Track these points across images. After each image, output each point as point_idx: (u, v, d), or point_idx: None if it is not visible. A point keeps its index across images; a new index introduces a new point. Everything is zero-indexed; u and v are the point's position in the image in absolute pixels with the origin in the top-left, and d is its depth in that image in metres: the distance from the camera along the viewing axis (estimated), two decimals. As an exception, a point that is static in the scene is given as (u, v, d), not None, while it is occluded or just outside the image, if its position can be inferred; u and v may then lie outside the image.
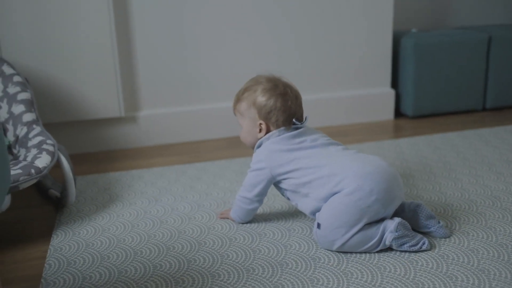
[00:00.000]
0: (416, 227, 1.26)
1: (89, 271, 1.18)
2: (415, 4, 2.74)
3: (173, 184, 1.70)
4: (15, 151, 1.56)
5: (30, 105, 1.62)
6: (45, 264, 1.22)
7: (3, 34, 1.88)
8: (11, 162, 1.41)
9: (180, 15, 2.11)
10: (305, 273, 1.13)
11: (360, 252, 1.20)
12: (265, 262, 1.18)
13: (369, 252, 1.20)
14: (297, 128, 1.31)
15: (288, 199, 1.32)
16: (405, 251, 1.20)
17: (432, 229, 1.25)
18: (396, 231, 1.17)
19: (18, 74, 1.69)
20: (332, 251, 1.21)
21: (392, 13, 2.35)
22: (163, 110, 2.19)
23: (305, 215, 1.40)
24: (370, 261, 1.17)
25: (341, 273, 1.13)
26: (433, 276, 1.10)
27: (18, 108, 1.60)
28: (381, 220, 1.21)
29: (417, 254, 1.19)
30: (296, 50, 2.28)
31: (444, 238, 1.25)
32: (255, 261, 1.19)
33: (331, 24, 2.29)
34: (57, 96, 2.01)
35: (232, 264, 1.18)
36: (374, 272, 1.12)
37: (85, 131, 2.11)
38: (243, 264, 1.18)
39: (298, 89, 1.35)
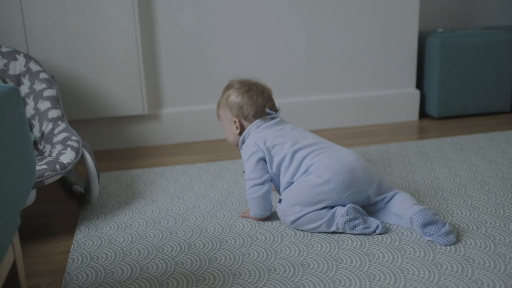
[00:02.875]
0: (419, 234, 1.26)
1: (111, 266, 1.18)
2: (441, 3, 2.70)
3: (195, 182, 1.70)
4: (40, 147, 1.59)
5: (55, 101, 1.64)
6: (69, 259, 1.23)
7: (30, 32, 1.91)
8: (36, 158, 1.43)
9: (203, 15, 2.11)
10: (326, 274, 1.12)
11: (311, 231, 1.29)
12: (287, 262, 1.17)
13: (320, 232, 1.28)
14: (273, 118, 1.43)
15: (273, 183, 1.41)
16: (360, 234, 1.27)
17: (432, 237, 1.22)
18: (347, 214, 1.25)
19: (44, 71, 1.72)
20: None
21: (418, 13, 2.32)
22: (185, 109, 2.19)
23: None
24: (394, 263, 1.15)
25: (363, 275, 1.11)
26: (458, 280, 1.08)
27: (44, 105, 1.62)
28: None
29: (442, 257, 1.17)
30: (319, 50, 2.27)
31: (447, 245, 1.21)
32: (276, 261, 1.18)
33: (357, 23, 2.27)
34: (82, 93, 2.03)
35: (253, 263, 1.17)
36: (397, 275, 1.11)
37: (109, 128, 2.13)
38: (264, 263, 1.17)
39: (269, 86, 1.48)
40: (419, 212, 1.22)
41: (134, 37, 2.01)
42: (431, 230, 1.21)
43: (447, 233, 1.21)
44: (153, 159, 2.00)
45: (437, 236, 1.21)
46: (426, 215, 1.21)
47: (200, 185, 1.67)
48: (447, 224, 1.22)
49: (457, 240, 1.23)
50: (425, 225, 1.21)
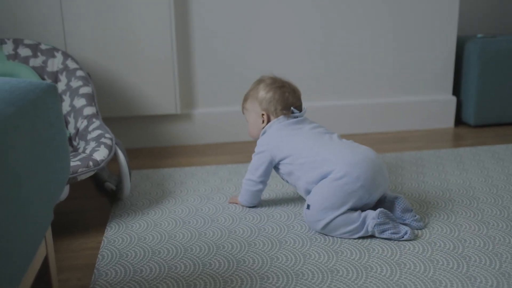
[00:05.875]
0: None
1: (140, 264, 1.19)
2: (481, 8, 2.63)
3: (225, 183, 1.70)
4: (75, 143, 1.61)
5: (91, 99, 1.67)
6: (99, 255, 1.24)
7: (69, 30, 1.95)
8: (70, 154, 1.45)
9: (237, 16, 2.12)
10: (355, 282, 1.10)
11: (343, 237, 1.29)
12: (315, 268, 1.16)
13: (350, 238, 1.28)
14: (296, 117, 1.45)
15: (287, 181, 1.45)
16: (387, 239, 1.27)
17: (407, 221, 1.33)
18: (378, 218, 1.27)
19: (81, 68, 1.75)
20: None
21: (457, 17, 2.27)
22: (218, 109, 2.20)
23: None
24: (425, 274, 1.12)
25: (393, 284, 1.09)
26: (493, 295, 1.04)
27: (79, 102, 1.65)
28: (363, 209, 1.31)
29: (476, 270, 1.13)
30: (356, 53, 2.24)
31: (419, 229, 1.33)
32: (304, 266, 1.17)
33: (394, 28, 2.24)
34: (116, 91, 2.06)
35: (281, 267, 1.16)
36: (428, 286, 1.08)
37: (142, 127, 2.16)
38: (292, 268, 1.16)
39: (297, 86, 1.52)
40: (402, 198, 1.35)
41: (169, 38, 2.02)
42: (407, 216, 1.33)
43: (418, 220, 1.34)
44: (184, 158, 2.01)
45: (412, 221, 1.33)
46: (406, 203, 1.34)
47: (230, 186, 1.67)
48: (417, 215, 1.35)
49: (425, 225, 1.35)
50: (404, 211, 1.33)
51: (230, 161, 1.95)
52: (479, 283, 1.08)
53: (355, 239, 1.28)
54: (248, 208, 1.49)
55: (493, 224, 1.35)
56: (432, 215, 1.41)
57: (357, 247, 1.25)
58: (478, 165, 1.82)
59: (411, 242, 1.26)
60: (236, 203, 1.51)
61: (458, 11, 2.26)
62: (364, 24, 2.22)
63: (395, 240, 1.27)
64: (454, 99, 2.37)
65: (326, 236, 1.30)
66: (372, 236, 1.29)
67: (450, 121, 2.39)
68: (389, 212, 1.28)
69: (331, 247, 1.25)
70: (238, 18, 2.12)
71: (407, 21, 2.24)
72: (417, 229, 1.33)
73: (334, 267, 1.16)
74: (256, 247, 1.26)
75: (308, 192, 1.35)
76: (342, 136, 1.84)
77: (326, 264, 1.17)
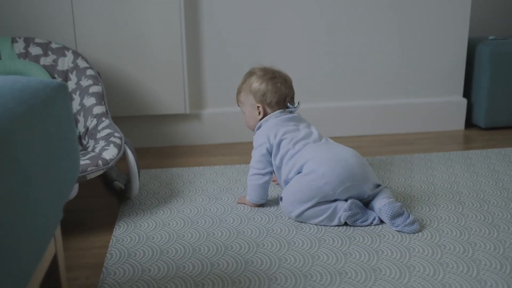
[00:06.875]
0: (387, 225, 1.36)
1: (148, 264, 1.19)
2: (493, 10, 2.61)
3: (234, 183, 1.70)
4: (84, 142, 1.62)
5: (100, 98, 1.67)
6: (107, 254, 1.24)
7: (79, 29, 1.96)
8: (80, 153, 1.46)
9: (246, 18, 2.11)
10: (364, 284, 1.09)
11: (317, 225, 1.36)
12: (324, 269, 1.15)
13: (324, 225, 1.35)
14: (291, 112, 1.51)
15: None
16: (359, 226, 1.34)
17: (398, 228, 1.31)
18: (350, 210, 1.33)
19: (91, 67, 1.75)
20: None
21: (468, 19, 2.25)
22: (227, 109, 2.20)
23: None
24: (435, 277, 1.11)
25: (402, 287, 1.08)
26: (504, 299, 1.03)
27: (89, 101, 1.65)
28: (334, 200, 1.36)
29: (486, 274, 1.12)
30: (366, 55, 2.23)
31: (413, 233, 1.30)
32: (313, 267, 1.16)
33: (405, 29, 2.23)
34: (126, 90, 2.06)
35: (289, 269, 1.16)
36: (438, 289, 1.07)
37: (151, 126, 2.16)
38: (301, 269, 1.16)
39: (289, 75, 1.56)
40: (388, 204, 1.32)
41: (179, 37, 2.03)
42: (398, 222, 1.31)
43: (411, 223, 1.31)
44: (192, 158, 2.01)
45: (403, 227, 1.30)
46: (394, 207, 1.31)
47: (239, 186, 1.67)
48: (410, 215, 1.32)
49: (421, 227, 1.33)
50: (393, 217, 1.31)
51: (239, 161, 1.95)
52: (489, 287, 1.07)
53: (364, 242, 1.27)
54: (256, 209, 1.49)
55: (503, 228, 1.34)
56: (442, 217, 1.40)
57: (366, 249, 1.24)
58: (489, 168, 1.80)
59: (420, 245, 1.25)
60: (245, 204, 1.51)
61: (469, 12, 2.25)
62: (375, 26, 2.20)
63: (365, 226, 1.34)
64: (464, 101, 2.35)
65: (334, 238, 1.30)
66: (381, 239, 1.28)
67: (460, 124, 2.37)
68: (358, 202, 1.35)
69: (339, 248, 1.24)
70: (246, 20, 2.12)
71: (419, 23, 2.23)
72: (411, 233, 1.30)
73: (343, 269, 1.15)
74: (264, 248, 1.26)
75: (287, 182, 1.45)
76: (352, 138, 1.84)
77: (334, 266, 1.17)
